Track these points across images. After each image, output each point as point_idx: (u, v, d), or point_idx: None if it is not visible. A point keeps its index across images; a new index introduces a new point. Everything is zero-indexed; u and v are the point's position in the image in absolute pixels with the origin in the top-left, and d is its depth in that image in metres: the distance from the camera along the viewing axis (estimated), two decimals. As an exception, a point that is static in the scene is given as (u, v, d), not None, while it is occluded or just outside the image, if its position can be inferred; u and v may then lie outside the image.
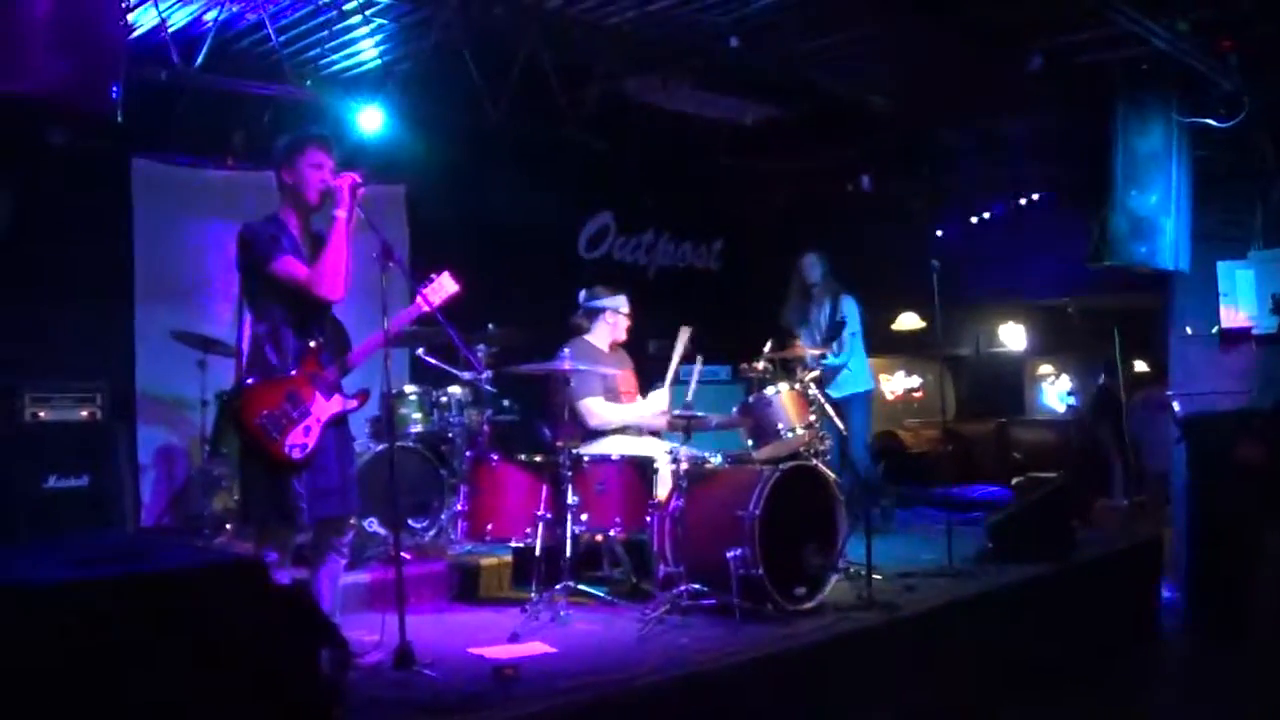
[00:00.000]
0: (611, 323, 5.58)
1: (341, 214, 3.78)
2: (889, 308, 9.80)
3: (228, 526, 5.69)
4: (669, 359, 5.49)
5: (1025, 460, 9.54)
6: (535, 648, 4.13)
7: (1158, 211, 6.15)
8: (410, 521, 5.65)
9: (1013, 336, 11.65)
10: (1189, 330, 6.99)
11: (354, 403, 3.93)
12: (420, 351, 6.10)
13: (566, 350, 5.07)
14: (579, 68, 6.67)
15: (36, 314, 5.79)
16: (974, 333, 11.53)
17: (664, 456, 5.03)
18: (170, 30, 5.49)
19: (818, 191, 9.07)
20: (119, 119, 3.40)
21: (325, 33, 5.91)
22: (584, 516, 4.77)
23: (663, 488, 4.92)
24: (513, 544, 5.11)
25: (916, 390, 10.83)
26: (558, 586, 4.64)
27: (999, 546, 5.95)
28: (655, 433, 5.56)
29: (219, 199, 6.55)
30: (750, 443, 5.30)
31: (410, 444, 5.79)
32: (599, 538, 5.03)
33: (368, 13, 5.74)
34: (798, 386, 5.28)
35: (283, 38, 5.82)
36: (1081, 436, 9.89)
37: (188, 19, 5.62)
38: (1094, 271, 6.46)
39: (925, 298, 6.17)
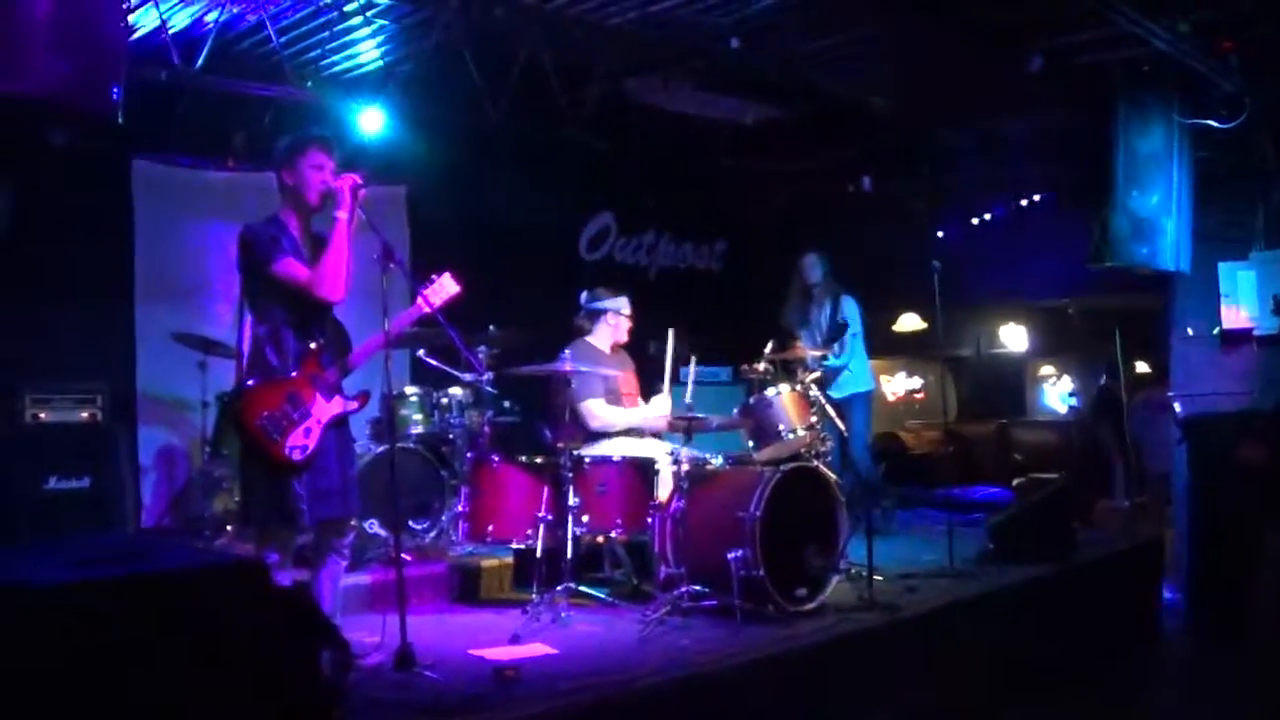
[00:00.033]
0: (613, 324, 5.57)
1: (342, 215, 3.78)
2: (890, 308, 9.78)
3: (228, 528, 5.69)
4: (662, 363, 5.48)
5: (1026, 461, 9.55)
6: (536, 649, 4.13)
7: (1159, 212, 6.14)
8: (411, 523, 5.66)
9: (1014, 337, 11.63)
10: (1190, 331, 6.99)
11: (355, 404, 3.93)
12: (421, 353, 6.11)
13: (568, 351, 5.07)
14: (579, 68, 6.66)
15: (37, 315, 5.79)
16: (975, 334, 11.51)
17: (665, 458, 5.03)
18: (171, 31, 5.49)
19: (818, 192, 9.06)
20: (119, 120, 3.38)
21: (326, 34, 5.90)
22: (585, 518, 4.77)
23: (664, 489, 4.92)
24: (514, 545, 5.10)
25: (917, 391, 10.81)
26: (559, 588, 4.64)
27: (1000, 547, 5.96)
28: (656, 434, 5.55)
29: (219, 200, 6.54)
30: (751, 444, 5.30)
31: (411, 445, 5.79)
32: (600, 539, 5.04)
33: (369, 14, 5.74)
34: (799, 388, 5.28)
35: (283, 39, 5.81)
36: (1082, 437, 9.86)
37: (189, 20, 5.62)
38: (1095, 272, 6.45)
39: (926, 298, 6.18)
